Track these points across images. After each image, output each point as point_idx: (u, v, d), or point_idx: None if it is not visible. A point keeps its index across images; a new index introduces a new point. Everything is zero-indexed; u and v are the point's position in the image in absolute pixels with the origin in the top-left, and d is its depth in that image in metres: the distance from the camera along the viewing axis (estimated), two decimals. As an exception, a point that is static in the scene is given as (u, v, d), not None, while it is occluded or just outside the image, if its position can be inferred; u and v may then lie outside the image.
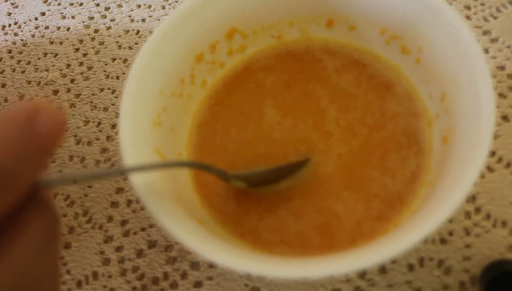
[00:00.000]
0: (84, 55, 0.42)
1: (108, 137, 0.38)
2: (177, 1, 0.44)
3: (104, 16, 0.44)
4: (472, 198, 0.31)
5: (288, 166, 0.28)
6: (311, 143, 0.29)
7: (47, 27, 0.45)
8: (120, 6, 0.44)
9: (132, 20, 0.43)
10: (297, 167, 0.28)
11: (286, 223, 0.27)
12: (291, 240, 0.27)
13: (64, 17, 0.45)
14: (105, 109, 0.39)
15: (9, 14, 0.46)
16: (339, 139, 0.29)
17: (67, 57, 0.43)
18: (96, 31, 0.43)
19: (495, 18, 0.38)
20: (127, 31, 0.43)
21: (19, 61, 0.43)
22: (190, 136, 0.30)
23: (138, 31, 0.43)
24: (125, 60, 0.41)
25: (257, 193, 0.28)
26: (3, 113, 0.16)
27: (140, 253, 0.33)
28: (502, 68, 0.36)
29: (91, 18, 0.44)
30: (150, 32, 0.42)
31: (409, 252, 0.30)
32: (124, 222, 0.34)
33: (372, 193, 0.27)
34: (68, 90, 0.41)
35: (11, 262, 0.16)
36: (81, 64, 0.42)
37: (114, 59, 0.41)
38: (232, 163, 0.29)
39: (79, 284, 0.33)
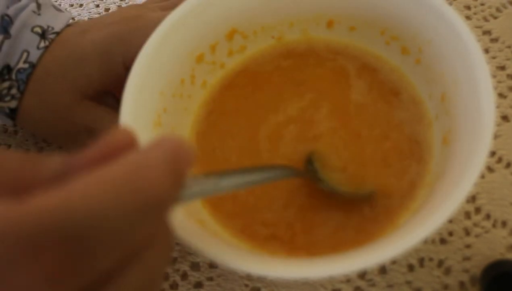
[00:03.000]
0: (84, 56, 0.42)
1: (108, 138, 0.38)
2: (177, 2, 0.44)
3: (104, 17, 0.44)
4: (472, 198, 0.31)
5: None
6: (312, 146, 0.29)
7: (47, 28, 0.45)
8: (120, 7, 0.44)
9: (132, 21, 0.43)
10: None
11: (286, 222, 0.27)
12: (292, 240, 0.27)
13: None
14: (105, 110, 0.39)
15: (9, 15, 0.46)
16: (340, 141, 0.29)
17: (67, 58, 0.43)
18: (96, 32, 0.43)
19: (495, 18, 0.38)
20: (127, 32, 0.43)
21: (19, 62, 0.43)
22: (189, 139, 0.30)
23: (138, 32, 0.42)
24: (125, 61, 0.41)
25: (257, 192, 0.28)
26: (152, 144, 0.17)
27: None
28: (502, 68, 0.36)
29: (91, 19, 0.44)
30: (150, 33, 0.42)
31: (409, 252, 0.30)
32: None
33: (373, 193, 0.27)
34: (68, 91, 0.41)
35: (126, 284, 0.17)
36: (81, 65, 0.42)
37: (114, 60, 0.41)
38: (233, 166, 0.29)
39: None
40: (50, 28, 0.33)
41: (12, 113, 0.34)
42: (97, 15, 0.44)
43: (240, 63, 0.32)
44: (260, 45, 0.32)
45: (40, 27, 0.33)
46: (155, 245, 0.18)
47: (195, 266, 0.32)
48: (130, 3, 0.44)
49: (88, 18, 0.44)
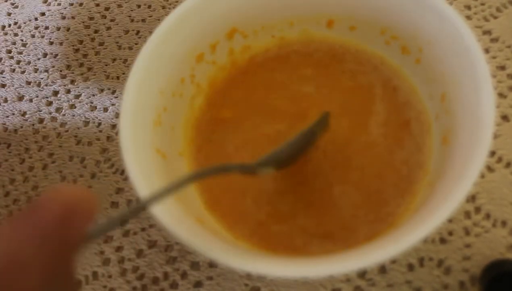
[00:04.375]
0: (84, 56, 0.42)
1: (108, 138, 0.38)
2: (177, 1, 0.44)
3: (104, 16, 0.44)
4: (472, 198, 0.31)
5: (309, 130, 0.27)
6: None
7: (47, 28, 0.45)
8: (120, 6, 0.44)
9: (132, 20, 0.43)
10: (318, 127, 0.27)
11: (287, 223, 0.27)
12: (293, 240, 0.27)
13: (64, 18, 0.45)
14: (105, 109, 0.39)
15: (9, 14, 0.46)
16: (340, 140, 0.29)
17: (67, 58, 0.43)
18: (96, 31, 0.43)
19: (496, 18, 0.38)
20: (127, 31, 0.43)
21: (18, 62, 0.44)
22: (190, 137, 0.30)
23: (138, 31, 0.43)
24: (125, 61, 0.41)
25: (256, 193, 0.28)
26: (32, 214, 0.14)
27: (140, 253, 0.33)
28: (502, 68, 0.36)
29: (91, 18, 0.44)
30: (150, 32, 0.42)
31: (409, 252, 0.30)
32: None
33: (374, 193, 0.27)
34: (68, 91, 0.41)
35: None
36: (81, 65, 0.42)
37: (114, 60, 0.41)
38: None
39: (79, 284, 0.33)
40: None
41: None
42: (97, 14, 0.44)
43: (240, 63, 0.32)
44: (261, 45, 0.32)
45: None
46: None
47: (195, 265, 0.32)
48: (131, 2, 0.44)
49: (88, 17, 0.44)
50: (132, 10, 0.44)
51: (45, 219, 0.14)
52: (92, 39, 0.43)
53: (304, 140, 0.27)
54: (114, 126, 0.38)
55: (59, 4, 0.46)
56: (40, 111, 0.40)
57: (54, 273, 0.14)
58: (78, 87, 0.41)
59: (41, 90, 0.41)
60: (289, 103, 0.31)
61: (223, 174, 0.23)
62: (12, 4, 0.47)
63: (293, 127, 0.30)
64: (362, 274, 0.30)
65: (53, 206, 0.14)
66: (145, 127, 0.26)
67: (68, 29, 0.44)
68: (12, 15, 0.46)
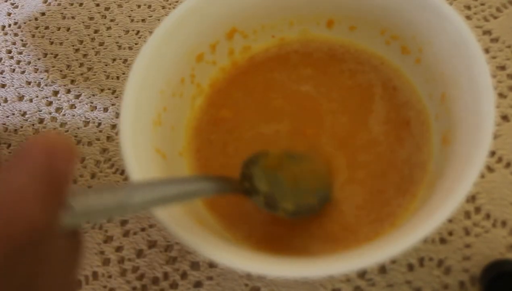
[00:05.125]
0: (84, 56, 0.42)
1: (108, 138, 0.38)
2: (177, 1, 0.44)
3: (104, 16, 0.44)
4: (472, 198, 0.31)
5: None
6: (312, 145, 0.29)
7: (47, 28, 0.45)
8: (120, 6, 0.44)
9: (132, 20, 0.43)
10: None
11: (287, 223, 0.27)
12: (293, 240, 0.27)
13: (64, 18, 0.45)
14: (105, 109, 0.39)
15: (9, 14, 0.46)
16: (340, 139, 0.29)
17: (67, 58, 0.43)
18: (96, 31, 0.43)
19: (496, 18, 0.38)
20: (127, 31, 0.43)
21: (18, 62, 0.44)
22: (190, 137, 0.30)
23: (138, 31, 0.43)
24: (125, 61, 0.41)
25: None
26: (19, 155, 0.15)
27: (140, 253, 0.33)
28: (502, 68, 0.36)
29: (91, 18, 0.44)
30: (150, 32, 0.42)
31: (409, 252, 0.30)
32: (124, 222, 0.34)
33: (375, 193, 0.27)
34: (68, 91, 0.41)
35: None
36: (81, 65, 0.42)
37: (114, 60, 0.41)
38: (233, 164, 0.29)
39: (79, 284, 0.33)
40: None
41: None
42: (97, 14, 0.44)
43: (240, 63, 0.32)
44: (261, 45, 0.32)
45: None
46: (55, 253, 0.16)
47: (195, 266, 0.32)
48: (131, 2, 0.44)
49: (88, 17, 0.44)
50: (132, 10, 0.44)
51: (31, 157, 0.15)
52: (92, 39, 0.43)
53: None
54: (114, 126, 0.38)
55: (59, 4, 0.46)
56: (40, 111, 0.40)
57: (50, 203, 0.15)
58: (78, 87, 0.41)
59: (41, 90, 0.41)
60: (288, 104, 0.31)
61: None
62: (12, 4, 0.47)
63: (293, 127, 0.30)
64: (362, 274, 0.30)
65: (36, 149, 0.15)
66: (145, 127, 0.26)
67: (68, 29, 0.44)
68: (12, 15, 0.46)
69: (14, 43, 0.45)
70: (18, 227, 0.14)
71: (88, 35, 0.43)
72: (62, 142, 0.16)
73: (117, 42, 0.42)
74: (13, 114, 0.41)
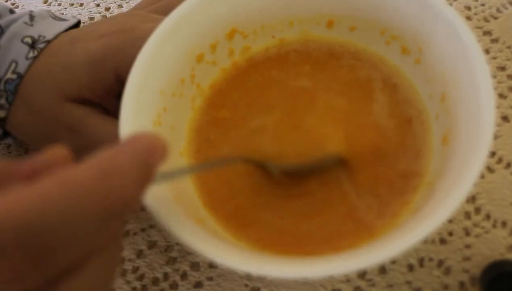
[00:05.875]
0: (84, 55, 0.42)
1: (108, 138, 0.38)
2: (177, 2, 0.44)
3: (104, 17, 0.44)
4: (472, 198, 0.31)
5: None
6: (312, 144, 0.29)
7: (47, 28, 0.45)
8: (120, 6, 0.44)
9: (132, 21, 0.43)
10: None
11: (288, 222, 0.27)
12: (293, 240, 0.27)
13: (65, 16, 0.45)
14: (105, 109, 0.39)
15: (10, 14, 0.46)
16: (340, 139, 0.29)
17: (67, 57, 0.43)
18: (96, 31, 0.43)
19: (496, 18, 0.38)
20: (127, 32, 0.43)
21: (19, 62, 0.43)
22: (190, 137, 0.30)
23: (138, 32, 0.42)
24: (125, 61, 0.41)
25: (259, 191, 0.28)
26: (126, 142, 0.18)
27: (140, 254, 0.33)
28: (502, 68, 0.36)
29: (92, 18, 0.44)
30: (150, 32, 0.42)
31: (409, 252, 0.30)
32: (124, 223, 0.34)
33: (375, 192, 0.27)
34: (68, 90, 0.41)
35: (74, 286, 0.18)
36: (81, 64, 0.42)
37: (114, 60, 0.41)
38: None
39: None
40: (41, 38, 0.33)
41: (1, 122, 0.34)
42: (97, 15, 0.44)
43: (240, 63, 0.32)
44: (261, 45, 0.32)
45: (31, 37, 0.33)
46: (105, 250, 0.18)
47: (195, 266, 0.32)
48: (131, 2, 0.44)
49: (89, 17, 0.44)
50: (132, 11, 0.44)
51: (135, 147, 0.18)
52: (92, 40, 0.43)
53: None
54: (114, 126, 0.38)
55: (59, 5, 0.46)
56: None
57: (142, 186, 0.18)
58: (78, 88, 0.41)
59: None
60: (289, 104, 0.31)
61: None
62: (12, 4, 0.47)
63: (293, 127, 0.30)
64: (362, 274, 0.30)
65: (140, 143, 0.18)
66: (145, 128, 0.26)
67: (68, 30, 0.44)
68: (12, 16, 0.46)
69: (14, 44, 0.45)
70: (118, 198, 0.17)
71: (88, 35, 0.43)
72: (161, 143, 0.19)
73: (117, 43, 0.42)
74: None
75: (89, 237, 0.17)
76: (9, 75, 0.32)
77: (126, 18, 0.34)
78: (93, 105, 0.33)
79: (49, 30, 0.34)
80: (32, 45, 0.33)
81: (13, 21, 0.33)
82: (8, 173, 0.18)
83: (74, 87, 0.32)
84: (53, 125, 0.33)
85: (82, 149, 0.34)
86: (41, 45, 0.33)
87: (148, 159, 0.18)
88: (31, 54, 0.33)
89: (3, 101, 0.33)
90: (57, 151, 0.19)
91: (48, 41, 0.33)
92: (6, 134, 0.36)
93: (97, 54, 0.32)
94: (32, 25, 0.34)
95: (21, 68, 0.32)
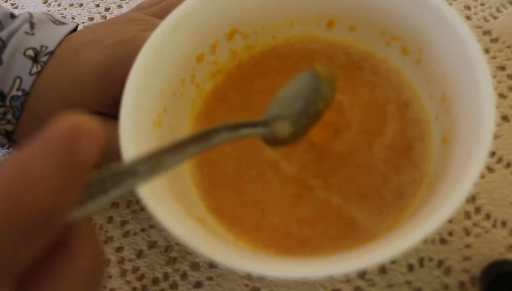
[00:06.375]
0: (84, 55, 0.42)
1: (108, 138, 0.38)
2: (177, 2, 0.44)
3: (104, 17, 0.44)
4: (472, 198, 0.31)
5: (316, 90, 0.25)
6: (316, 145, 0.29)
7: (47, 28, 0.45)
8: (120, 6, 0.44)
9: (132, 21, 0.43)
10: (326, 87, 0.25)
11: (288, 222, 0.27)
12: (293, 239, 0.27)
13: (64, 18, 0.45)
14: (105, 109, 0.39)
15: (9, 14, 0.46)
16: (340, 140, 0.29)
17: (67, 57, 0.43)
18: (96, 31, 0.43)
19: (495, 18, 0.38)
20: (127, 32, 0.43)
21: (19, 62, 0.43)
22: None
23: (138, 32, 0.42)
24: (125, 61, 0.41)
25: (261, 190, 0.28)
26: (40, 138, 0.15)
27: (140, 254, 0.33)
28: (502, 68, 0.36)
29: (91, 19, 0.44)
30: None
31: (409, 252, 0.30)
32: (124, 223, 0.34)
33: (374, 194, 0.27)
34: (68, 90, 0.41)
35: None
36: (81, 64, 0.42)
37: (114, 60, 0.41)
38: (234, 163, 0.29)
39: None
40: (43, 48, 0.33)
41: (8, 134, 0.35)
42: (97, 15, 0.44)
43: (241, 63, 0.32)
44: (261, 45, 0.32)
45: (33, 49, 0.33)
46: (73, 260, 0.16)
47: (195, 266, 0.32)
48: (131, 2, 0.44)
49: (88, 18, 0.44)
50: (132, 11, 0.44)
51: (51, 140, 0.15)
52: (92, 40, 0.43)
53: (314, 101, 0.25)
54: (114, 126, 0.38)
55: (59, 5, 0.46)
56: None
57: (65, 189, 0.15)
58: (78, 88, 0.41)
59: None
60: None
61: (232, 138, 0.22)
62: (12, 4, 0.47)
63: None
64: (362, 274, 0.30)
65: (57, 130, 0.15)
66: (145, 127, 0.26)
67: (68, 30, 0.44)
68: (12, 16, 0.46)
69: (14, 44, 0.45)
70: (23, 210, 0.14)
71: (88, 35, 0.43)
72: (88, 126, 0.15)
73: (117, 43, 0.42)
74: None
75: (11, 254, 0.14)
76: (14, 92, 0.32)
77: (126, 26, 0.34)
78: (100, 113, 0.33)
79: (50, 38, 0.34)
80: (35, 58, 0.33)
81: (14, 32, 0.33)
82: None
83: (82, 100, 0.33)
84: None
85: None
86: (44, 58, 0.33)
87: (69, 150, 0.15)
88: (34, 69, 0.33)
89: (10, 116, 0.33)
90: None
91: (51, 52, 0.33)
92: (14, 141, 0.36)
93: (103, 67, 0.32)
94: (33, 34, 0.33)
95: (26, 85, 0.32)
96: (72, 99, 0.33)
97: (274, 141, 0.25)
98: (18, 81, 0.32)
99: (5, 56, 0.32)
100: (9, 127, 0.34)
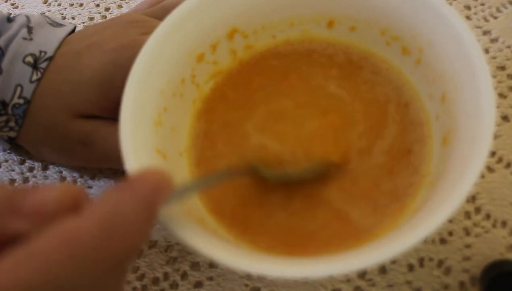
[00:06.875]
0: (84, 55, 0.42)
1: (108, 138, 0.38)
2: (177, 2, 0.44)
3: (104, 17, 0.44)
4: (472, 198, 0.31)
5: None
6: (313, 145, 0.29)
7: (47, 28, 0.45)
8: (120, 6, 0.44)
9: (132, 21, 0.43)
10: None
11: (288, 222, 0.27)
12: (293, 239, 0.27)
13: (64, 18, 0.45)
14: (105, 109, 0.39)
15: (9, 14, 0.46)
16: (335, 142, 0.29)
17: (67, 57, 0.43)
18: (96, 31, 0.43)
19: (495, 18, 0.38)
20: (127, 32, 0.43)
21: (19, 62, 0.43)
22: (190, 137, 0.30)
23: (138, 32, 0.42)
24: (125, 61, 0.41)
25: (261, 190, 0.28)
26: (134, 189, 0.18)
27: (140, 254, 0.33)
28: (502, 68, 0.36)
29: (91, 18, 0.44)
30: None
31: (409, 252, 0.30)
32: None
33: (374, 194, 0.27)
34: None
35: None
36: (81, 64, 0.42)
37: (114, 60, 0.41)
38: (234, 165, 0.29)
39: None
40: (42, 54, 0.33)
41: (11, 139, 0.35)
42: (97, 15, 0.44)
43: (241, 63, 0.32)
44: (261, 45, 0.32)
45: (32, 55, 0.33)
46: None
47: (195, 266, 0.32)
48: (131, 2, 0.44)
49: (88, 17, 0.44)
50: (132, 11, 0.44)
51: (142, 189, 0.18)
52: (92, 40, 0.43)
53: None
54: (114, 126, 0.38)
55: (59, 5, 0.46)
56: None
57: (145, 230, 0.18)
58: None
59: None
60: (289, 104, 0.31)
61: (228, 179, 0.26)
62: (12, 4, 0.47)
63: (297, 128, 0.30)
64: (362, 274, 0.30)
65: (146, 180, 0.18)
66: (145, 128, 0.26)
67: (68, 30, 0.44)
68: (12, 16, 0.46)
69: (14, 44, 0.45)
70: (122, 249, 0.17)
71: (88, 35, 0.43)
72: (166, 182, 0.19)
73: (117, 43, 0.42)
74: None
75: (93, 287, 0.17)
76: (16, 100, 0.32)
77: (126, 28, 0.34)
78: (103, 117, 0.33)
79: (49, 42, 0.33)
80: (35, 65, 0.32)
81: (12, 38, 0.33)
82: (9, 203, 0.17)
83: (85, 106, 0.33)
84: (65, 140, 0.33)
85: (95, 159, 0.35)
86: (43, 65, 0.33)
87: (152, 201, 0.18)
88: (34, 77, 0.32)
89: (12, 124, 0.33)
90: (65, 191, 0.18)
91: (50, 58, 0.33)
92: (16, 145, 0.37)
93: (105, 73, 0.32)
94: (31, 39, 0.33)
95: (27, 93, 0.32)
96: (74, 104, 0.33)
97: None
98: (19, 89, 0.32)
99: (4, 64, 0.32)
100: (12, 134, 0.34)
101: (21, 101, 0.32)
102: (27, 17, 0.34)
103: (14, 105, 0.32)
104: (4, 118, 0.33)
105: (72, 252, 0.16)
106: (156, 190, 0.18)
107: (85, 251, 0.16)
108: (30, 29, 0.34)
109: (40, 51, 0.33)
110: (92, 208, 0.17)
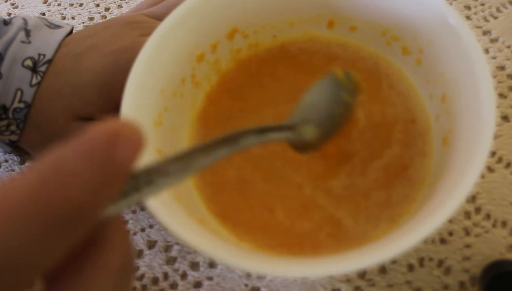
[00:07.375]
0: (84, 55, 0.42)
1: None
2: (177, 2, 0.44)
3: (104, 17, 0.44)
4: (472, 198, 0.31)
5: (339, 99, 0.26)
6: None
7: (47, 28, 0.45)
8: (120, 6, 0.44)
9: (132, 21, 0.43)
10: (349, 93, 0.26)
11: (288, 222, 0.27)
12: (293, 240, 0.27)
13: (64, 18, 0.45)
14: (105, 109, 0.39)
15: (9, 14, 0.46)
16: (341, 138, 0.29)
17: (67, 57, 0.43)
18: (96, 31, 0.43)
19: (495, 18, 0.38)
20: (127, 32, 0.43)
21: (19, 62, 0.43)
22: (190, 137, 0.30)
23: (138, 32, 0.42)
24: (125, 61, 0.41)
25: (260, 189, 0.28)
26: (79, 138, 0.15)
27: (139, 254, 0.33)
28: (502, 68, 0.36)
29: (91, 18, 0.44)
30: (150, 32, 0.42)
31: (409, 252, 0.30)
32: (123, 223, 0.34)
33: (376, 196, 0.27)
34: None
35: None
36: (81, 64, 0.42)
37: (114, 60, 0.41)
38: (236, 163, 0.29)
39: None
40: (41, 57, 0.33)
41: (12, 142, 0.35)
42: (97, 15, 0.44)
43: (241, 63, 0.32)
44: (261, 45, 0.32)
45: (31, 58, 0.32)
46: (105, 256, 0.17)
47: (194, 266, 0.32)
48: (130, 2, 0.44)
49: (88, 17, 0.44)
50: (132, 10, 0.44)
51: (90, 141, 0.15)
52: (92, 39, 0.43)
53: (336, 106, 0.26)
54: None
55: (59, 5, 0.46)
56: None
57: (101, 189, 0.15)
58: (78, 88, 0.41)
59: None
60: (290, 104, 0.31)
61: (261, 143, 0.22)
62: (12, 4, 0.47)
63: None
64: (362, 274, 0.30)
65: (97, 131, 0.15)
66: (145, 127, 0.26)
67: (68, 29, 0.44)
68: (12, 16, 0.46)
69: (14, 43, 0.45)
70: (55, 204, 0.14)
71: (88, 35, 0.43)
72: (129, 130, 0.16)
73: (117, 42, 0.42)
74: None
75: (42, 248, 0.15)
76: (16, 104, 0.32)
77: (125, 30, 0.34)
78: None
79: (47, 44, 0.33)
80: (34, 69, 0.32)
81: (10, 42, 0.33)
82: None
83: (85, 108, 0.33)
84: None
85: None
86: (43, 68, 0.33)
87: (105, 150, 0.15)
88: (34, 81, 0.32)
89: (13, 128, 0.33)
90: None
91: (49, 60, 0.33)
92: (18, 148, 0.37)
93: (105, 75, 0.32)
94: (29, 42, 0.33)
95: (27, 97, 0.32)
96: (75, 107, 0.33)
97: (300, 146, 0.26)
98: (19, 93, 0.32)
99: (4, 68, 0.32)
100: (13, 138, 0.34)
101: (22, 105, 0.32)
102: (24, 19, 0.34)
103: (15, 110, 0.33)
104: (5, 122, 0.33)
105: (3, 207, 0.14)
106: (112, 142, 0.15)
107: (20, 207, 0.14)
108: (27, 32, 0.33)
109: (39, 54, 0.33)
110: (33, 165, 0.15)
